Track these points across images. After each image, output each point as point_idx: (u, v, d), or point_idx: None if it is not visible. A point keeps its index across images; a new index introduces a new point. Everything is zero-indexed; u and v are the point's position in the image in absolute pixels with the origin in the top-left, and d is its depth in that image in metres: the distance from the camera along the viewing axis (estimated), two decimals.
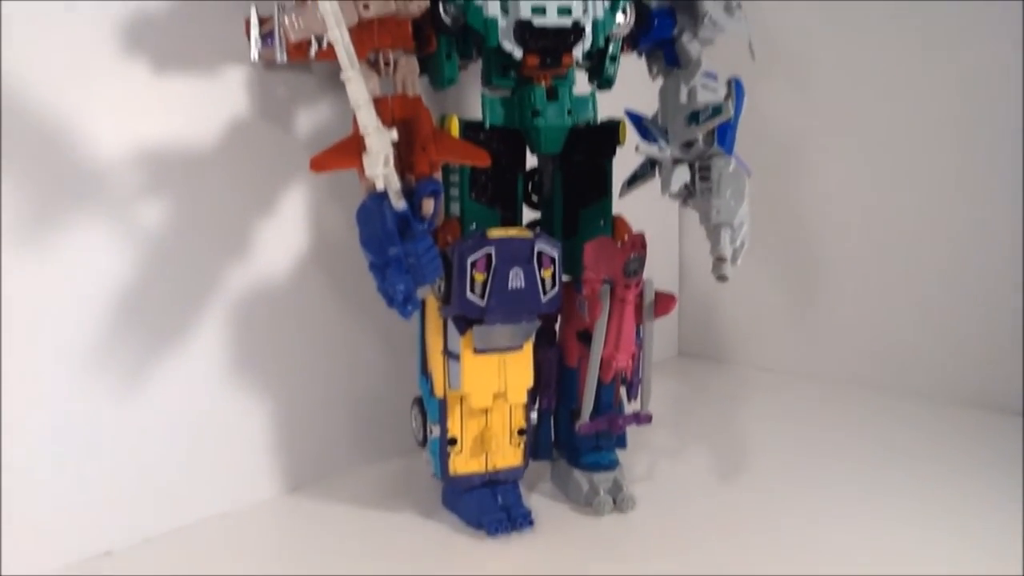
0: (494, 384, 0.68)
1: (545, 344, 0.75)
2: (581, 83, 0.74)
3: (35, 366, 0.64)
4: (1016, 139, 0.94)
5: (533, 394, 0.72)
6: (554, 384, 0.76)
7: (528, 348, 0.69)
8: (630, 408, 0.77)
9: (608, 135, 0.74)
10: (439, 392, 0.69)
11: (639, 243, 0.70)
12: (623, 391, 0.76)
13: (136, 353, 0.69)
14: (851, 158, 1.07)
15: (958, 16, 0.97)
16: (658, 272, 0.75)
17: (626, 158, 0.75)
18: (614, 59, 0.74)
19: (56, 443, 0.65)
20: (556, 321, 0.77)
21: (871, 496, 0.77)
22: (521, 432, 0.72)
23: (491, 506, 0.71)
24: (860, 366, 1.08)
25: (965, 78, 0.98)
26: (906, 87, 1.02)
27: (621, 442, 0.79)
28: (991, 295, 0.98)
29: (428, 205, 0.61)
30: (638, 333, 0.73)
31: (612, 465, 0.77)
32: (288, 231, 0.78)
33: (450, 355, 0.68)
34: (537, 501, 0.77)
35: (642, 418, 0.75)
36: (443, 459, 0.70)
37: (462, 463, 0.70)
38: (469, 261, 0.63)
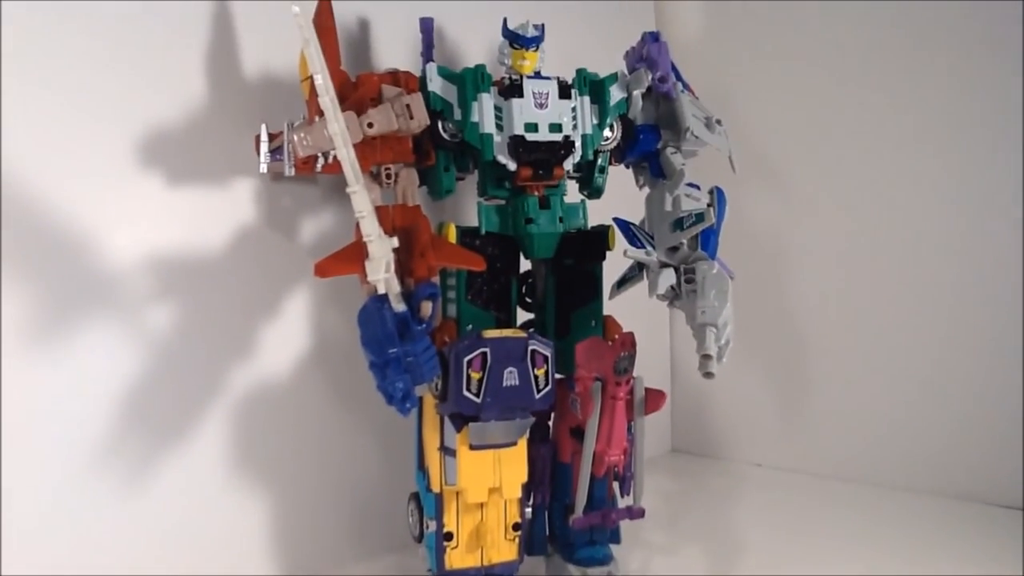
0: (489, 479, 0.69)
1: (539, 440, 0.76)
2: (572, 192, 0.77)
3: (42, 463, 0.66)
4: (1007, 228, 0.96)
5: (527, 489, 0.73)
6: (548, 479, 0.77)
7: (522, 444, 0.70)
8: (623, 503, 0.78)
9: (598, 241, 0.77)
10: (435, 487, 0.70)
11: (629, 342, 0.71)
12: (616, 486, 0.77)
13: (140, 451, 0.71)
14: (833, 256, 1.09)
15: (930, 114, 1.00)
16: (649, 370, 0.76)
17: (615, 262, 0.77)
18: (602, 170, 0.78)
19: (61, 537, 0.66)
20: (550, 418, 0.78)
21: None
22: (516, 527, 0.72)
23: None
24: (853, 460, 1.08)
25: (942, 172, 1.00)
26: (883, 183, 1.04)
27: (615, 537, 0.79)
28: (985, 387, 0.98)
29: (426, 307, 0.63)
30: (630, 429, 0.74)
31: (606, 559, 0.77)
32: (290, 333, 0.80)
33: (446, 451, 0.69)
34: None
35: (635, 512, 0.76)
36: (439, 554, 0.70)
37: (458, 558, 0.70)
38: (465, 360, 0.65)
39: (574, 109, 0.73)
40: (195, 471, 0.74)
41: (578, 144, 0.73)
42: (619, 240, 0.75)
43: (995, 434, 0.97)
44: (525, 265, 0.78)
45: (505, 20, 0.73)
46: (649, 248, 0.74)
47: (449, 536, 0.70)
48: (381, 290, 0.61)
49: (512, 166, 0.71)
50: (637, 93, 0.76)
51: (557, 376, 0.71)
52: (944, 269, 1.01)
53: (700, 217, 0.72)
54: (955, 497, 0.99)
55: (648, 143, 0.78)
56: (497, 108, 0.71)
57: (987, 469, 0.98)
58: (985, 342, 0.98)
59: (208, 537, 0.75)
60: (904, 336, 1.04)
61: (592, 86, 0.74)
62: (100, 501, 0.69)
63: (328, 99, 0.57)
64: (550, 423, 0.79)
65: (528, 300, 0.80)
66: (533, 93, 0.71)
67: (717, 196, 0.75)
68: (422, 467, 0.73)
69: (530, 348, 0.67)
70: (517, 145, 0.70)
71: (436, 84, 0.71)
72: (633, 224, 0.76)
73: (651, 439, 0.77)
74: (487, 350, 0.65)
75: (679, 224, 0.73)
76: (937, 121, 1.00)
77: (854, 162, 1.07)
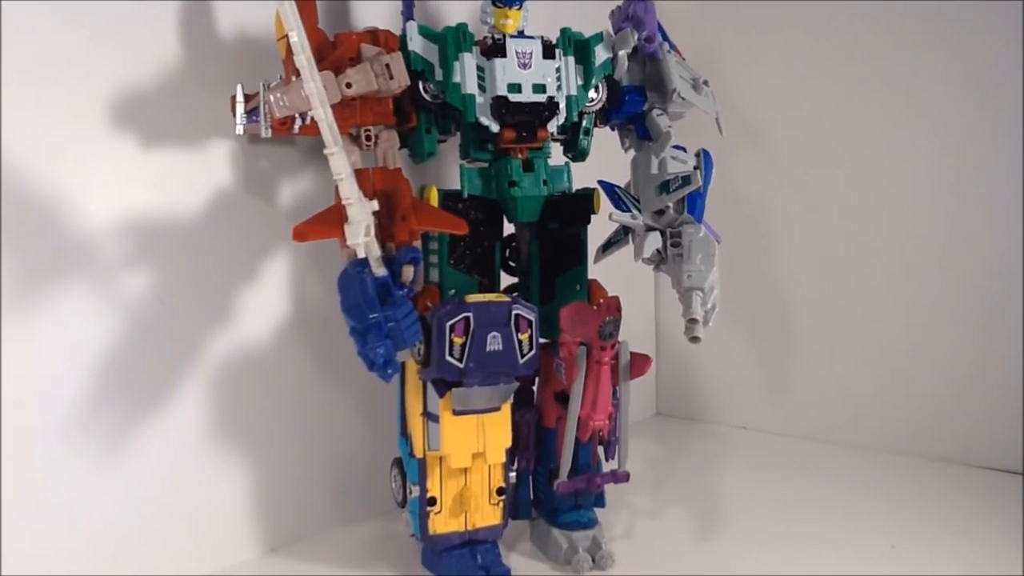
0: (473, 444, 0.69)
1: (523, 405, 0.76)
2: (556, 154, 0.76)
3: (18, 431, 0.64)
4: (1001, 187, 0.95)
5: (511, 454, 0.73)
6: (533, 444, 0.77)
7: (506, 409, 0.70)
8: (608, 467, 0.78)
9: (583, 204, 0.76)
10: (418, 453, 0.70)
11: (614, 307, 0.71)
12: (600, 451, 0.77)
13: (118, 418, 0.70)
14: (821, 218, 1.09)
15: (923, 75, 0.99)
16: (634, 334, 0.76)
17: (601, 225, 0.76)
18: (588, 132, 0.77)
19: (36, 505, 0.65)
20: (534, 383, 0.78)
21: (849, 554, 0.77)
22: (500, 491, 0.72)
23: (470, 565, 0.71)
24: (839, 423, 1.09)
25: (935, 134, 0.99)
26: (872, 145, 1.04)
27: (600, 501, 0.80)
28: (976, 348, 0.98)
29: (408, 272, 0.62)
30: (614, 393, 0.74)
31: (591, 523, 0.77)
32: (269, 299, 0.79)
33: (429, 416, 0.69)
34: (516, 560, 0.77)
35: (619, 476, 0.76)
36: (422, 519, 0.70)
37: (441, 523, 0.70)
38: (448, 325, 0.64)
39: (558, 69, 0.72)
40: (174, 439, 0.73)
41: (562, 105, 0.72)
42: (604, 203, 0.74)
43: (986, 396, 0.97)
44: (508, 229, 0.77)
45: None
46: (635, 211, 0.73)
47: (432, 501, 0.70)
48: (361, 254, 0.61)
49: (495, 128, 0.70)
50: (623, 53, 0.75)
51: (542, 341, 0.70)
52: (932, 229, 1.01)
53: (687, 180, 0.71)
54: (943, 460, 1.00)
55: (634, 105, 0.77)
56: (479, 68, 0.70)
57: (979, 432, 0.98)
58: (977, 303, 0.98)
59: (188, 504, 0.74)
60: (892, 297, 1.04)
61: (577, 46, 0.73)
62: (77, 469, 0.68)
63: (304, 57, 0.56)
64: (534, 388, 0.78)
65: (512, 264, 0.79)
66: (516, 53, 0.70)
67: (704, 159, 0.74)
68: (405, 433, 0.73)
69: (514, 312, 0.66)
70: (500, 106, 0.69)
71: (417, 44, 0.70)
72: (619, 187, 0.75)
73: (636, 403, 0.77)
74: (470, 315, 0.65)
75: (665, 187, 0.72)
76: (930, 84, 0.99)
77: (842, 124, 1.06)
